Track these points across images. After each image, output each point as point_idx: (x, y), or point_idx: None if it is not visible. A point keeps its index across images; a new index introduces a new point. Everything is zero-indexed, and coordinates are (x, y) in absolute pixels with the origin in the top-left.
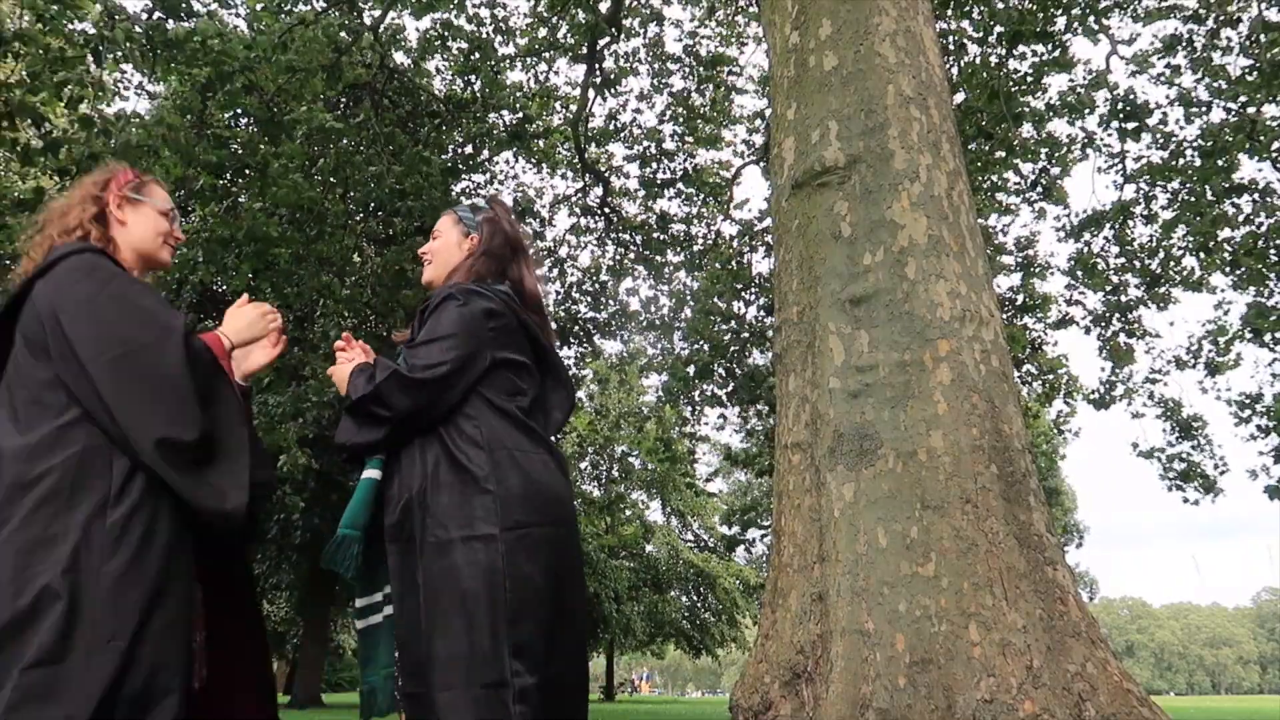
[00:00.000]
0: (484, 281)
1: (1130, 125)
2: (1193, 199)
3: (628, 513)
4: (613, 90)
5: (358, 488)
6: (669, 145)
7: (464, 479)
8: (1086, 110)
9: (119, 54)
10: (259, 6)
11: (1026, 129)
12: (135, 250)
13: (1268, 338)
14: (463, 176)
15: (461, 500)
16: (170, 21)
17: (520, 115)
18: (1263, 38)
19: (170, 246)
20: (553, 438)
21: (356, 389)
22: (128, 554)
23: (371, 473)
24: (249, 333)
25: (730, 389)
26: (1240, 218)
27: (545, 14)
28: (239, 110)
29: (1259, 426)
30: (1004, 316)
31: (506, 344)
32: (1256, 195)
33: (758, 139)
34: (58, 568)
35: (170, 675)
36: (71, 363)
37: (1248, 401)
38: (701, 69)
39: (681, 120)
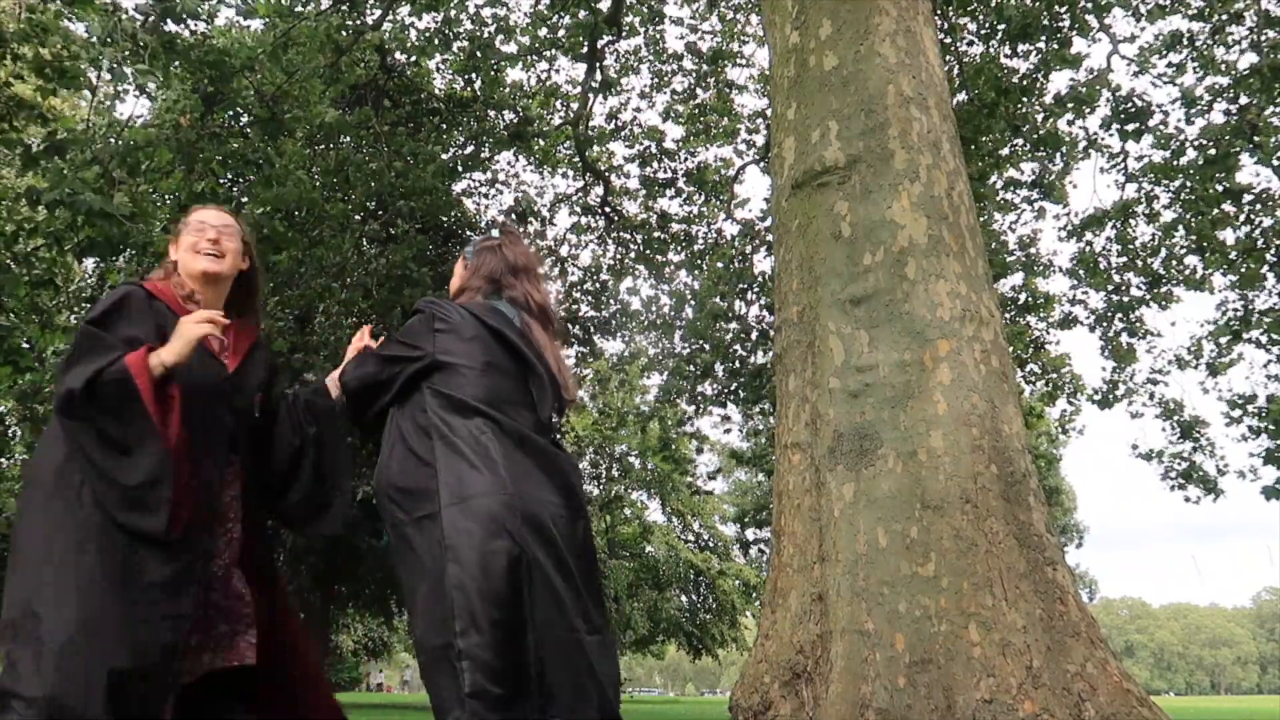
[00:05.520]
0: (472, 299)
1: (1131, 127)
2: (1194, 199)
3: (627, 512)
4: (613, 90)
5: None
6: (669, 144)
7: (414, 464)
8: (1088, 109)
9: (120, 56)
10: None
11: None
12: (186, 272)
13: (1264, 338)
14: (463, 176)
15: (413, 483)
16: (169, 24)
17: (521, 114)
18: (1267, 34)
19: (202, 253)
20: (547, 432)
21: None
22: (87, 555)
23: None
24: (182, 343)
25: (734, 388)
26: (1240, 219)
27: (546, 13)
28: (239, 110)
29: (1250, 427)
30: (1006, 316)
31: (453, 349)
32: (1251, 198)
33: (758, 138)
34: (45, 569)
35: (110, 660)
36: None
37: (1240, 401)
38: (704, 66)
39: (685, 119)
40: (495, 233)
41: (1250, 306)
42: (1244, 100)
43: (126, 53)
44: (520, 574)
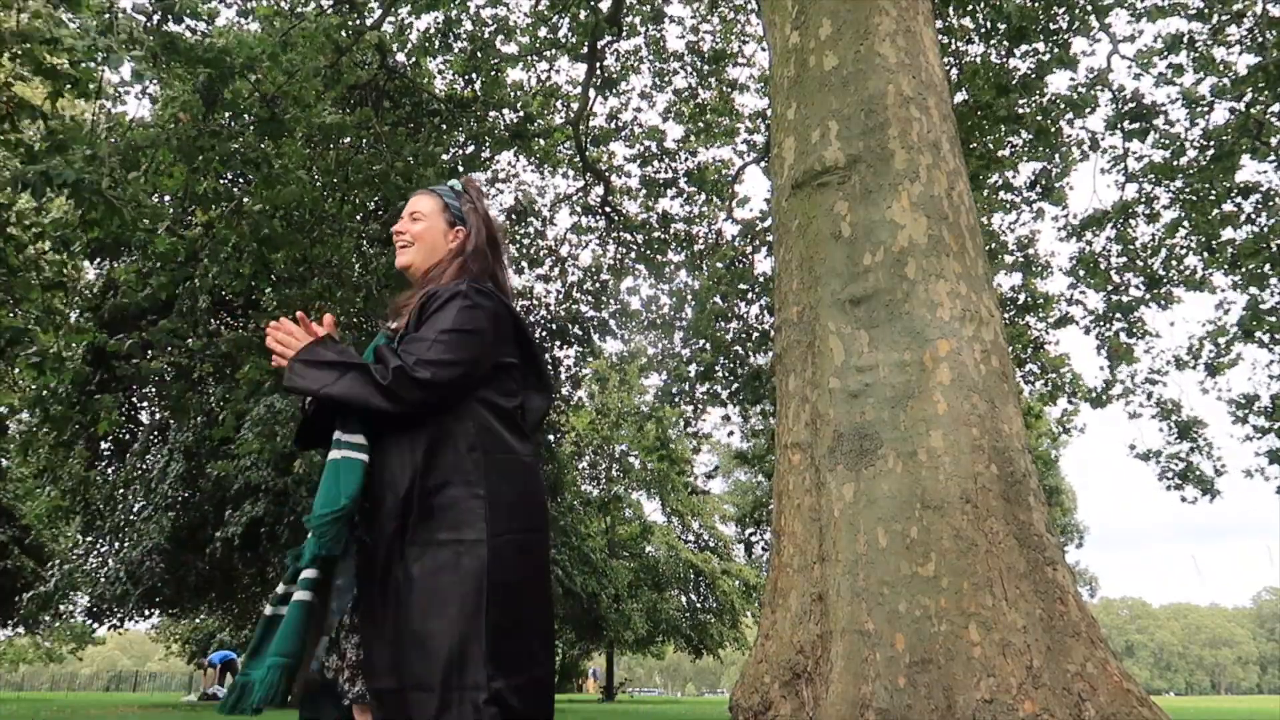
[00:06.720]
0: (479, 281)
1: (1134, 126)
2: (1195, 199)
3: (628, 511)
4: (614, 90)
5: (343, 467)
6: (670, 144)
7: (455, 482)
8: (1088, 110)
9: (118, 51)
10: (264, 1)
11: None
12: None
13: (1266, 338)
14: (463, 176)
15: (451, 503)
16: (171, 23)
17: (521, 114)
18: (1269, 34)
19: None
20: (533, 436)
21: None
22: None
23: (359, 455)
24: None
25: (734, 389)
26: (1241, 218)
27: (546, 13)
28: (240, 110)
29: (1255, 427)
30: (1005, 316)
31: (504, 347)
32: (1259, 196)
33: (758, 138)
34: None
35: None
36: None
37: (1244, 401)
38: (705, 65)
39: (687, 118)
40: (458, 185)
41: (1259, 305)
42: (1249, 98)
43: (119, 44)
44: (549, 615)
